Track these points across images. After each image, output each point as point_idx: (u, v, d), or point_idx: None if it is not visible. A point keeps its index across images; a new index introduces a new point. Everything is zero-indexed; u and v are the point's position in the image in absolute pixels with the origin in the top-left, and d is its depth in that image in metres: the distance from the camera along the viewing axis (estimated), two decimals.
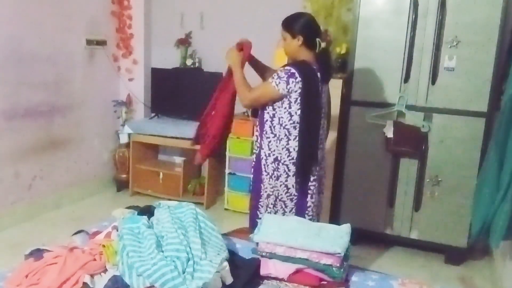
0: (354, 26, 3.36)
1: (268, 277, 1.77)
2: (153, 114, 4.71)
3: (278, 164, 2.47)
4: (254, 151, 2.67)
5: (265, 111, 2.52)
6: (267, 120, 2.50)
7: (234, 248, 1.99)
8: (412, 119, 3.28)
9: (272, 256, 1.81)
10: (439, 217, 3.35)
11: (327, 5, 4.01)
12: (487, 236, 2.52)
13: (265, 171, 2.51)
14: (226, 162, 4.23)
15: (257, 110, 2.63)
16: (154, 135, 4.42)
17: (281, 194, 2.48)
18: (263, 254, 1.83)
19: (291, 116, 2.43)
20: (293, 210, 2.50)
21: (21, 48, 3.67)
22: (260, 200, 2.54)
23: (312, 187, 2.51)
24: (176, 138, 4.31)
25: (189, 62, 4.54)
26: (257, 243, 1.86)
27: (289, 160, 2.45)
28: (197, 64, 4.54)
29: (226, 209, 4.29)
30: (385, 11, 3.26)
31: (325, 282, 1.76)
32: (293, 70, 2.40)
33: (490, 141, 2.70)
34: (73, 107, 4.24)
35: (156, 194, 4.50)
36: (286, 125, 2.45)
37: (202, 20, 4.57)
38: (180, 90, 4.50)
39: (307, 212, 2.51)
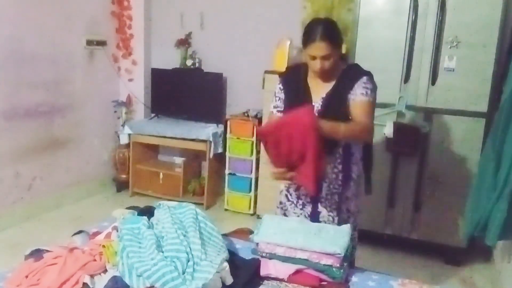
0: (354, 27, 3.36)
1: (268, 278, 1.77)
2: (153, 115, 4.71)
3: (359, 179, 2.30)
4: (329, 193, 2.21)
5: None
6: None
7: (234, 249, 1.99)
8: (412, 119, 3.29)
9: (272, 256, 1.81)
10: (439, 217, 3.35)
11: (327, 5, 4.01)
12: (483, 235, 2.53)
13: (355, 196, 2.27)
14: (226, 162, 4.23)
15: None
16: (154, 136, 4.42)
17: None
18: (263, 254, 1.83)
19: None
20: None
21: (21, 48, 3.67)
22: None
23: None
24: (176, 138, 4.31)
25: (189, 62, 4.54)
26: (257, 244, 1.85)
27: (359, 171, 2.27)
28: (197, 65, 4.54)
29: (226, 210, 4.29)
30: (385, 12, 3.26)
31: (325, 283, 1.75)
32: (372, 78, 2.19)
33: (487, 139, 2.70)
34: (73, 108, 4.24)
35: (156, 194, 4.50)
36: None
37: (202, 20, 4.57)
38: (180, 91, 4.50)
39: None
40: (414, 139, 3.26)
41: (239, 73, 4.44)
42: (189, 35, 4.60)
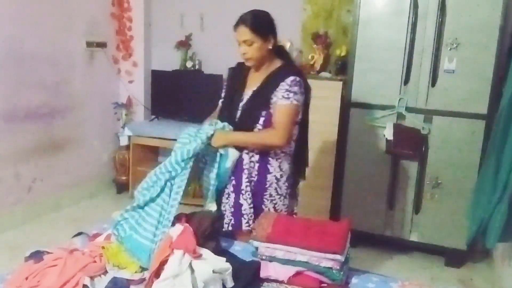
0: (354, 28, 3.36)
1: (268, 280, 1.77)
2: (153, 116, 4.72)
3: (289, 178, 2.31)
4: (247, 181, 2.25)
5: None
6: None
7: (234, 250, 1.99)
8: (412, 121, 3.28)
9: (272, 259, 1.81)
10: (439, 219, 3.35)
11: (327, 6, 4.02)
12: (483, 237, 2.53)
13: (278, 194, 2.28)
14: None
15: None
16: (154, 137, 4.41)
17: (292, 206, 2.41)
18: (263, 257, 1.83)
19: None
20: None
21: (21, 49, 3.67)
22: None
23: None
24: (176, 140, 4.29)
25: (189, 64, 4.55)
26: (257, 247, 1.86)
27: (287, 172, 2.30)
28: (197, 66, 4.55)
29: None
30: (385, 13, 3.26)
31: (325, 285, 1.75)
32: (301, 80, 2.20)
33: (489, 142, 2.71)
34: (73, 109, 4.24)
35: None
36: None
37: (202, 22, 4.57)
38: (180, 92, 4.50)
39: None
40: (414, 140, 3.26)
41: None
42: (189, 37, 4.60)
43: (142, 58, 4.73)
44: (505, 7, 3.00)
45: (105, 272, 1.69)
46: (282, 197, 2.30)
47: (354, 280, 1.82)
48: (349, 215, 3.49)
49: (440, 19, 3.13)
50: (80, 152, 4.39)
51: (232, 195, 2.27)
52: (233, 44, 4.78)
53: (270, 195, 2.28)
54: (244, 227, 2.24)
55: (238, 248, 2.04)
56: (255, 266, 1.79)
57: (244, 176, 2.22)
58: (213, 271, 1.59)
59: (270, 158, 2.24)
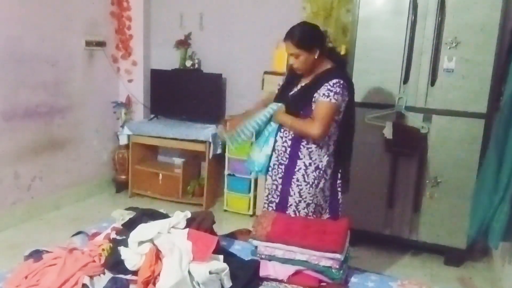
0: (354, 27, 3.36)
1: (268, 279, 1.77)
2: (152, 115, 4.71)
3: (320, 172, 2.41)
4: (277, 162, 2.47)
5: None
6: None
7: (233, 250, 1.99)
8: (412, 120, 3.28)
9: (271, 258, 1.82)
10: (438, 218, 3.35)
11: (326, 6, 4.01)
12: (486, 237, 2.53)
13: (305, 181, 2.39)
14: (225, 163, 4.23)
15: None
16: (154, 136, 4.41)
17: (320, 200, 2.46)
18: (263, 256, 1.83)
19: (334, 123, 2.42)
20: (327, 211, 2.52)
21: (20, 48, 3.67)
22: (294, 210, 2.43)
23: (340, 185, 2.55)
24: (176, 139, 4.31)
25: (188, 63, 4.54)
26: (256, 247, 1.86)
27: (327, 165, 2.43)
28: (196, 65, 4.54)
29: (225, 211, 4.29)
30: (385, 12, 3.26)
31: (324, 284, 1.76)
32: (344, 83, 2.33)
33: (489, 142, 2.71)
34: (72, 108, 4.24)
35: (156, 195, 4.51)
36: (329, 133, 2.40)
37: (201, 21, 4.57)
38: (180, 91, 4.50)
39: (339, 209, 2.55)
40: (414, 140, 3.27)
41: (238, 74, 4.44)
42: (188, 36, 4.59)
43: (141, 57, 4.72)
44: (505, 6, 3.00)
45: (104, 271, 1.69)
46: (308, 185, 2.39)
47: (353, 279, 1.82)
48: (348, 214, 3.49)
49: (439, 18, 3.12)
50: (79, 151, 4.39)
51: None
52: (232, 44, 4.82)
53: (297, 180, 2.40)
54: (264, 200, 2.59)
55: (238, 247, 2.04)
56: (255, 265, 1.79)
57: (274, 155, 2.45)
58: (210, 272, 1.59)
59: (301, 146, 2.39)
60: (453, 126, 3.22)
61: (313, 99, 2.33)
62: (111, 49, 4.62)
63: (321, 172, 2.41)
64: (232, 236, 2.33)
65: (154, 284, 1.61)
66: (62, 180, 4.21)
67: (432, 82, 3.22)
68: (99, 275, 1.67)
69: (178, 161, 4.63)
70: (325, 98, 2.29)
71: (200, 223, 1.87)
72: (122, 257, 1.70)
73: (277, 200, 2.45)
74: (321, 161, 2.40)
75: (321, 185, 2.42)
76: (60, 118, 4.11)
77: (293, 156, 2.40)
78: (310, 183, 2.39)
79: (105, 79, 4.59)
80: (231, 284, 1.64)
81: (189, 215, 1.89)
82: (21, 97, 3.71)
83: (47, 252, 1.78)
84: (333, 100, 2.29)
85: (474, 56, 3.09)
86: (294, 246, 1.79)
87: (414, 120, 3.28)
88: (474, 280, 3.22)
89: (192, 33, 4.59)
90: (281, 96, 2.53)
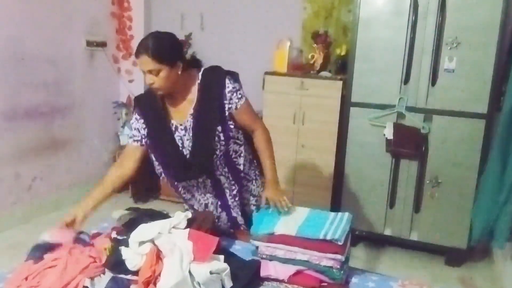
0: (354, 27, 3.36)
1: (268, 279, 1.77)
2: None
3: (253, 164, 2.29)
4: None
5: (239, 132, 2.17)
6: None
7: (234, 250, 1.99)
8: (412, 120, 3.28)
9: (272, 258, 1.81)
10: (439, 218, 3.35)
11: (327, 6, 4.02)
12: (491, 238, 2.52)
13: (249, 179, 2.27)
14: None
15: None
16: None
17: None
18: (263, 256, 1.83)
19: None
20: None
21: (21, 49, 3.67)
22: None
23: None
24: None
25: None
26: (257, 247, 1.86)
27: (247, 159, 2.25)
28: None
29: None
30: (385, 12, 3.26)
31: (325, 284, 1.75)
32: (232, 73, 2.15)
33: (492, 142, 2.70)
34: (73, 108, 4.24)
35: (156, 195, 4.50)
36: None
37: (202, 21, 4.57)
38: None
39: None
40: (414, 140, 3.27)
41: (239, 74, 4.43)
42: (189, 36, 4.60)
43: None
44: (505, 6, 2.99)
45: (105, 272, 1.69)
46: (254, 181, 2.28)
47: (354, 279, 1.82)
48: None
49: (440, 19, 3.12)
50: (80, 152, 4.39)
51: (223, 214, 2.25)
52: (233, 44, 4.81)
53: (249, 191, 2.27)
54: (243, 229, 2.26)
55: (238, 247, 2.04)
56: (255, 265, 1.79)
57: (228, 193, 2.20)
58: (211, 272, 1.59)
59: (235, 162, 2.15)
60: (453, 126, 3.22)
61: (226, 113, 2.04)
62: (112, 49, 4.62)
63: (251, 163, 2.28)
64: (232, 236, 2.32)
65: (155, 284, 1.60)
66: (62, 180, 4.22)
67: (433, 82, 3.22)
68: (100, 275, 1.67)
69: None
70: (241, 100, 2.07)
71: (201, 223, 1.87)
72: (123, 257, 1.70)
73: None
74: (247, 155, 2.23)
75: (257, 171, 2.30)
76: (60, 118, 4.12)
77: (237, 178, 2.20)
78: (254, 177, 2.28)
79: (105, 79, 4.59)
80: (231, 284, 1.64)
81: (189, 215, 1.89)
82: (21, 97, 3.71)
83: (51, 244, 1.79)
84: (245, 97, 2.10)
85: (474, 56, 3.09)
86: (295, 246, 1.79)
87: (415, 120, 3.28)
88: (474, 280, 3.22)
89: (192, 33, 4.60)
90: (159, 151, 2.08)
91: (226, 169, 2.14)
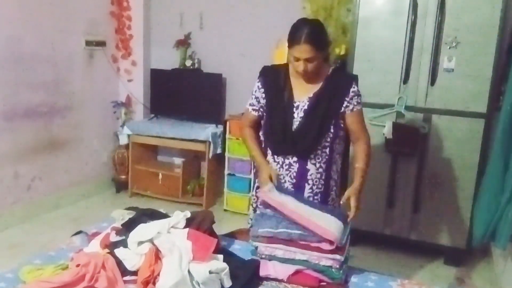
0: (354, 27, 3.36)
1: (268, 278, 1.77)
2: (152, 115, 4.71)
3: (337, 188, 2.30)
4: (312, 193, 2.18)
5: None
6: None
7: (233, 249, 1.99)
8: (411, 120, 3.28)
9: (271, 258, 1.81)
10: (438, 218, 3.35)
11: (326, 5, 4.01)
12: (493, 239, 2.51)
13: (336, 197, 2.28)
14: (225, 163, 4.23)
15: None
16: (154, 136, 4.41)
17: None
18: (263, 256, 1.83)
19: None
20: None
21: (20, 49, 3.67)
22: None
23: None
24: (176, 139, 4.31)
25: (188, 63, 4.54)
26: (256, 247, 1.86)
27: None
28: (196, 65, 4.54)
29: (225, 210, 4.29)
30: (385, 12, 3.26)
31: (324, 283, 1.75)
32: (356, 80, 2.20)
33: (492, 142, 2.70)
34: (72, 108, 4.24)
35: (156, 195, 4.51)
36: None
37: (201, 21, 4.57)
38: (180, 91, 4.50)
39: None
40: (414, 139, 3.27)
41: (238, 73, 4.44)
42: (188, 36, 4.59)
43: (141, 57, 4.72)
44: (505, 6, 3.00)
45: None
46: (337, 198, 2.27)
47: (353, 279, 1.82)
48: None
49: (439, 18, 3.12)
50: (79, 151, 4.39)
51: None
52: (232, 43, 4.79)
53: (332, 199, 2.25)
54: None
55: (238, 247, 2.04)
56: (255, 265, 1.79)
57: (308, 187, 2.17)
58: (210, 272, 1.59)
59: (333, 165, 2.21)
60: (453, 125, 3.22)
61: (344, 109, 2.11)
62: (111, 49, 4.62)
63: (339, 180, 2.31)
64: (232, 235, 2.32)
65: (154, 284, 1.60)
66: (62, 180, 4.22)
67: (432, 82, 3.22)
68: None
69: (178, 160, 4.64)
70: (359, 106, 2.14)
71: (200, 223, 1.87)
72: (121, 258, 1.70)
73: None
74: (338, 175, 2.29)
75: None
76: (60, 118, 4.11)
77: (328, 179, 2.20)
78: (338, 194, 2.28)
79: (105, 79, 4.59)
80: (231, 283, 1.64)
81: (188, 214, 1.89)
82: (21, 97, 3.71)
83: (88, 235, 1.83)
84: (361, 104, 2.17)
85: (474, 56, 3.09)
86: (294, 246, 1.79)
87: (414, 120, 3.28)
88: (473, 280, 3.22)
89: (192, 32, 4.59)
90: (275, 121, 2.16)
91: (323, 163, 2.16)
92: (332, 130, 2.12)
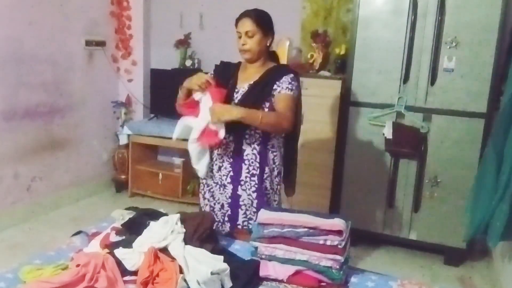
0: (354, 27, 3.36)
1: (268, 279, 1.77)
2: (152, 115, 4.71)
3: (279, 178, 2.39)
4: (248, 174, 2.29)
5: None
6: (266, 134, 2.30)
7: (233, 249, 1.99)
8: (411, 120, 3.28)
9: (271, 258, 1.81)
10: (438, 217, 3.35)
11: (326, 5, 4.02)
12: (485, 236, 2.53)
13: (271, 188, 2.34)
14: None
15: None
16: (153, 136, 4.41)
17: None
18: (263, 256, 1.83)
19: None
20: None
21: (20, 49, 3.67)
22: None
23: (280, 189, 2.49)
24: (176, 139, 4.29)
25: (188, 63, 4.54)
26: (256, 247, 1.86)
27: (278, 167, 2.38)
28: (196, 65, 4.54)
29: None
30: (385, 12, 3.26)
31: (324, 284, 1.75)
32: (298, 79, 2.34)
33: (488, 140, 2.70)
34: (72, 108, 4.24)
35: (156, 195, 4.51)
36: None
37: (201, 20, 4.57)
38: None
39: None
40: (413, 139, 3.26)
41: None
42: (188, 36, 4.59)
43: (141, 56, 4.72)
44: (504, 5, 3.00)
45: None
46: (273, 192, 2.35)
47: (353, 279, 1.82)
48: (348, 214, 3.50)
49: (439, 18, 3.12)
50: (79, 151, 4.39)
51: (230, 186, 2.31)
52: (232, 43, 4.77)
53: (266, 188, 2.32)
54: (241, 218, 2.31)
55: (238, 247, 2.04)
56: (255, 265, 1.79)
57: (245, 167, 2.28)
58: (211, 273, 1.59)
59: (268, 151, 2.30)
60: (453, 125, 3.22)
61: (273, 92, 2.24)
62: (111, 49, 4.62)
63: (280, 177, 2.40)
64: (232, 235, 2.32)
65: (153, 284, 1.61)
66: (62, 180, 4.22)
67: (432, 81, 3.22)
68: None
69: (178, 160, 4.63)
70: (289, 91, 2.23)
71: (199, 223, 1.87)
72: (121, 258, 1.70)
73: (254, 217, 2.25)
74: (280, 166, 2.38)
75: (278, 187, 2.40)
76: (60, 118, 4.11)
77: (262, 164, 2.28)
78: (275, 189, 2.37)
79: (105, 78, 4.59)
80: (231, 284, 1.64)
81: (177, 216, 1.89)
82: (21, 97, 3.71)
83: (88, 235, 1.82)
84: (295, 94, 2.26)
85: (474, 56, 3.09)
86: (294, 247, 1.79)
87: (414, 120, 3.28)
88: (474, 280, 3.22)
89: (192, 32, 4.59)
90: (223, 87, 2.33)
91: (257, 144, 2.28)
92: (263, 107, 2.24)
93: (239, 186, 2.29)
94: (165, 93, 4.58)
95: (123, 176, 4.66)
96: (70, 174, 4.31)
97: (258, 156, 2.28)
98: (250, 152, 2.28)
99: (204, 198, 2.44)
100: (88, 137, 4.48)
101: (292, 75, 2.28)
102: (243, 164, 2.28)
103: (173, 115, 4.61)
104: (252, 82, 2.30)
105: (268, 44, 2.33)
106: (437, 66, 3.18)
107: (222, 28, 4.50)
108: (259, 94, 2.25)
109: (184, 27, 4.63)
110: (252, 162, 2.28)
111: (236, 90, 2.32)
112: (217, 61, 4.76)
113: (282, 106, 2.21)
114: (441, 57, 3.16)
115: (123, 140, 4.58)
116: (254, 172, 2.28)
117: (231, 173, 2.30)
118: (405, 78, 3.26)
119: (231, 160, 2.30)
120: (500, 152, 2.42)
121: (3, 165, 3.63)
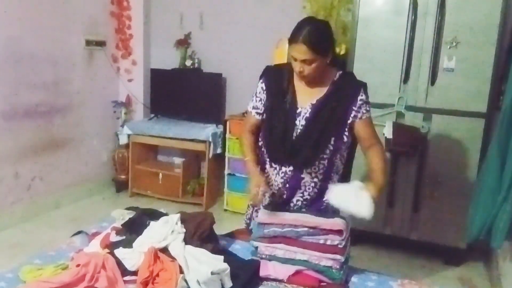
0: (354, 27, 3.36)
1: (268, 279, 1.77)
2: (152, 115, 4.71)
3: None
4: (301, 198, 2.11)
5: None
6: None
7: (234, 249, 1.99)
8: (412, 119, 3.28)
9: (272, 258, 1.81)
10: (438, 217, 3.35)
11: (326, 5, 4.01)
12: (488, 237, 2.52)
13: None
14: (225, 163, 4.23)
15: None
16: (154, 136, 4.41)
17: None
18: (263, 256, 1.83)
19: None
20: None
21: (20, 48, 3.67)
22: None
23: None
24: (176, 139, 4.30)
25: (188, 62, 4.54)
26: (257, 247, 1.86)
27: None
28: (196, 65, 4.54)
29: (225, 210, 4.29)
30: (385, 12, 3.26)
31: (324, 284, 1.75)
32: (365, 86, 2.10)
33: (490, 141, 2.70)
34: (72, 108, 4.24)
35: (156, 195, 4.51)
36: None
37: (201, 20, 4.57)
38: (180, 91, 4.50)
39: None
40: (414, 139, 3.26)
41: (238, 73, 4.44)
42: (188, 35, 4.60)
43: (141, 56, 4.72)
44: (505, 5, 3.00)
45: None
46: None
47: (353, 279, 1.82)
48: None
49: (439, 18, 3.12)
50: (79, 151, 4.39)
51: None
52: (232, 43, 4.78)
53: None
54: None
55: (238, 247, 2.04)
56: (255, 265, 1.79)
57: (298, 192, 2.10)
58: (212, 273, 1.59)
59: (330, 180, 2.10)
60: (453, 125, 3.22)
61: (349, 119, 2.01)
62: (111, 49, 4.62)
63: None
64: (232, 235, 2.32)
65: (153, 284, 1.61)
66: (62, 180, 4.22)
67: (432, 81, 3.21)
68: None
69: (178, 160, 4.64)
70: (368, 113, 2.04)
71: (199, 224, 1.87)
72: (121, 258, 1.70)
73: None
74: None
75: None
76: (60, 117, 4.11)
77: (323, 191, 2.07)
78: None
79: (105, 78, 4.59)
80: (231, 284, 1.64)
81: (177, 216, 1.89)
82: (21, 97, 3.71)
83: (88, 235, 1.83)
84: (370, 112, 2.06)
85: (474, 56, 3.09)
86: (294, 246, 1.79)
87: (414, 120, 3.28)
88: (474, 280, 3.22)
89: (192, 32, 4.60)
90: (276, 126, 2.04)
91: (319, 174, 2.07)
92: (332, 142, 2.01)
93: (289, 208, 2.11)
94: (165, 93, 4.60)
95: (123, 176, 4.66)
96: (70, 174, 4.31)
97: (318, 184, 2.09)
98: (309, 179, 2.08)
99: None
100: (88, 137, 4.48)
101: (362, 90, 2.04)
102: (298, 190, 2.09)
103: (173, 115, 4.65)
104: (315, 102, 2.02)
105: (328, 62, 2.00)
106: (437, 66, 3.18)
107: (222, 28, 4.51)
108: (328, 121, 2.00)
109: (184, 27, 4.63)
110: (309, 189, 2.10)
111: (297, 111, 2.03)
112: (217, 61, 4.77)
113: (368, 132, 2.05)
114: (441, 57, 3.16)
115: (123, 140, 4.58)
116: (309, 197, 2.11)
117: (284, 197, 2.12)
118: (405, 78, 3.26)
119: (287, 186, 2.09)
120: (503, 152, 2.42)
121: (3, 165, 3.63)
